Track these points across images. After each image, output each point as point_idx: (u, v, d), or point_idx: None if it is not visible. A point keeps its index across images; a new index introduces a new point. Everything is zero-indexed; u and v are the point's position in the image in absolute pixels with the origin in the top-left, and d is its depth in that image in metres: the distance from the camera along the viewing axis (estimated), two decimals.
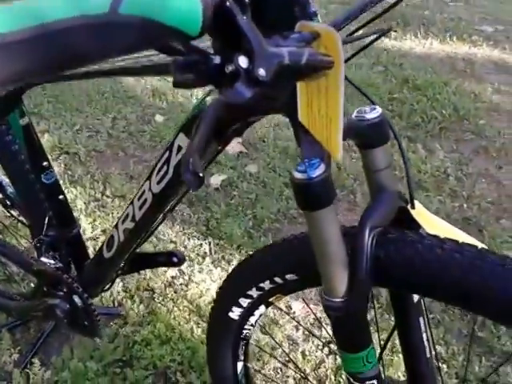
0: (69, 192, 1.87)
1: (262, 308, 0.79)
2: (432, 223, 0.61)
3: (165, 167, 0.75)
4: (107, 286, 1.07)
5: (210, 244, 1.68)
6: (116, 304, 1.47)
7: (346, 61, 0.55)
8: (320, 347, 1.38)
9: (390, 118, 2.36)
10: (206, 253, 1.65)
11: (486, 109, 2.51)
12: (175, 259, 1.00)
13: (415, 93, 2.52)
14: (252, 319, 0.81)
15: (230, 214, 1.81)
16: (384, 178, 0.62)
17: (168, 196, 0.78)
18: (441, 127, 2.34)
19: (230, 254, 1.64)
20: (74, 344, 1.34)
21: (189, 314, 1.44)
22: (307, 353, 1.36)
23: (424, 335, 0.70)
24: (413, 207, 0.62)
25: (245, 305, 0.78)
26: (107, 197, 1.88)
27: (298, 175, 0.54)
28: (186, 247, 1.67)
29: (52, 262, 1.00)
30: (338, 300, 0.57)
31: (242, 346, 0.85)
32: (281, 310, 1.44)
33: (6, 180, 1.19)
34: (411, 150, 2.15)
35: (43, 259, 1.00)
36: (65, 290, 1.01)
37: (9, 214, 1.23)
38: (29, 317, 1.18)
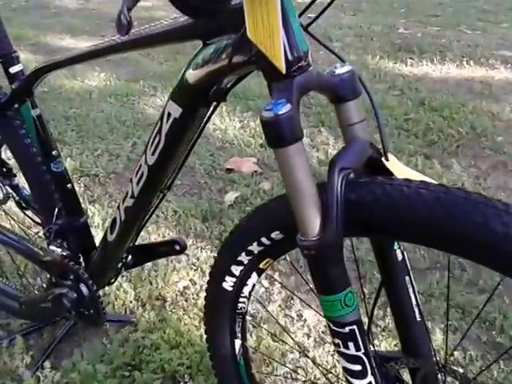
0: (88, 210, 1.92)
1: (254, 276, 0.79)
2: (405, 173, 0.62)
3: (157, 137, 0.78)
4: (113, 279, 1.09)
5: None
6: (128, 312, 1.48)
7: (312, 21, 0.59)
8: (331, 353, 1.35)
9: (405, 136, 2.37)
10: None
11: (504, 127, 2.50)
12: (177, 247, 1.02)
13: (431, 113, 2.53)
14: (246, 290, 0.81)
15: None
16: (357, 131, 0.63)
17: (162, 166, 0.81)
18: (458, 144, 2.33)
19: None
20: (84, 348, 1.35)
21: (199, 322, 1.43)
22: (318, 359, 1.33)
23: (412, 295, 0.70)
24: (386, 159, 0.63)
25: (237, 273, 0.79)
26: None
27: (265, 113, 0.57)
28: (198, 259, 1.68)
29: (60, 250, 1.02)
30: (312, 239, 0.58)
31: (238, 323, 0.85)
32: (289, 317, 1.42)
33: (21, 183, 1.24)
34: (427, 166, 2.14)
35: (52, 247, 1.03)
36: (72, 278, 1.03)
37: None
38: (38, 310, 1.19)
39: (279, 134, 0.56)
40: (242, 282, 0.80)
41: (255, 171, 2.19)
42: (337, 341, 0.63)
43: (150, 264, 1.63)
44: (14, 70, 1.00)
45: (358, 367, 0.63)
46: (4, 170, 1.21)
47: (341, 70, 0.62)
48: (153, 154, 0.80)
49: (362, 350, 0.62)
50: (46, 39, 4.19)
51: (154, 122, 2.66)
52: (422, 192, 0.54)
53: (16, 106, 1.03)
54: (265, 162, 2.25)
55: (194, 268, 1.65)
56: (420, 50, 3.52)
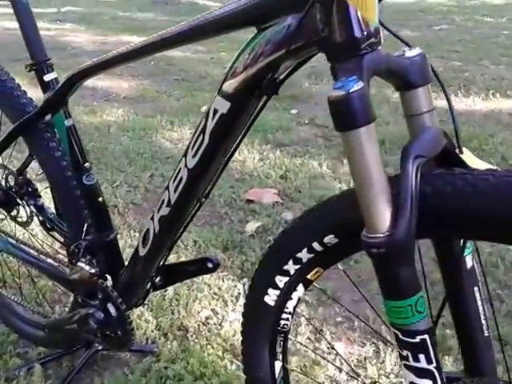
0: None
1: (301, 289, 0.73)
2: (483, 166, 0.57)
3: (200, 137, 0.74)
4: (141, 299, 1.03)
5: (244, 285, 1.63)
6: (149, 342, 1.41)
7: None
8: None
9: None
10: (239, 293, 1.60)
11: None
12: (210, 264, 0.97)
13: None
14: (290, 305, 0.75)
15: None
16: (427, 121, 0.59)
17: (204, 169, 0.77)
18: None
19: None
20: (105, 378, 1.28)
21: (223, 352, 1.36)
22: None
23: (481, 308, 0.64)
24: (461, 152, 0.59)
25: (281, 285, 0.73)
26: None
27: (334, 92, 0.52)
28: (220, 288, 1.62)
29: (88, 267, 0.97)
30: (381, 235, 0.52)
31: (279, 342, 0.79)
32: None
33: (45, 203, 1.21)
34: None
35: (80, 264, 0.98)
36: (100, 297, 0.98)
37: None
38: (63, 334, 1.13)
39: (350, 114, 0.51)
40: (286, 295, 0.74)
41: (276, 202, 2.14)
42: (405, 352, 0.56)
43: (171, 293, 1.57)
44: (48, 78, 0.98)
45: (428, 383, 0.56)
46: (29, 189, 1.17)
47: (411, 52, 0.57)
48: (194, 155, 0.76)
49: (434, 364, 0.56)
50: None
51: (172, 155, 2.65)
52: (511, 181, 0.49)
53: (47, 117, 1.00)
54: (286, 193, 2.21)
55: (216, 298, 1.59)
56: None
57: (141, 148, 2.67)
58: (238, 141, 0.75)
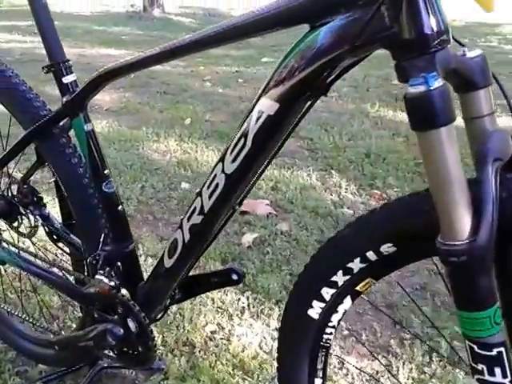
0: None
1: (348, 301, 0.71)
2: None
3: (242, 141, 0.71)
4: (161, 313, 0.99)
5: (248, 299, 1.59)
6: (156, 358, 1.35)
7: None
8: None
9: (421, 181, 2.33)
10: (244, 307, 1.56)
11: None
12: (235, 276, 0.93)
13: None
14: (335, 318, 0.72)
15: (265, 270, 1.74)
16: (487, 124, 0.57)
17: (244, 174, 0.74)
18: None
19: (270, 309, 1.54)
20: None
21: (233, 369, 1.32)
22: None
23: None
24: None
25: (328, 297, 0.70)
26: (140, 255, 1.81)
27: (413, 89, 0.50)
28: (223, 302, 1.58)
29: (107, 279, 0.92)
30: (462, 242, 0.50)
31: (321, 357, 0.76)
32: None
33: (52, 213, 1.15)
34: None
35: (98, 277, 0.93)
36: (119, 311, 0.93)
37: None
38: (74, 351, 1.07)
39: (431, 113, 0.49)
40: (331, 308, 0.71)
41: (270, 213, 2.12)
42: (480, 366, 0.54)
43: (174, 307, 1.52)
44: (67, 80, 0.93)
45: None
46: (34, 198, 1.11)
47: (472, 53, 0.55)
48: (234, 160, 0.73)
49: (509, 378, 0.54)
50: (45, 89, 4.15)
51: (160, 166, 2.60)
52: None
53: (61, 122, 0.95)
54: (278, 204, 2.19)
55: (221, 312, 1.54)
56: None
57: (129, 160, 2.62)
58: (280, 144, 0.73)
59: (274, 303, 1.56)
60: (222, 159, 0.75)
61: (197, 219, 0.81)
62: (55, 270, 1.07)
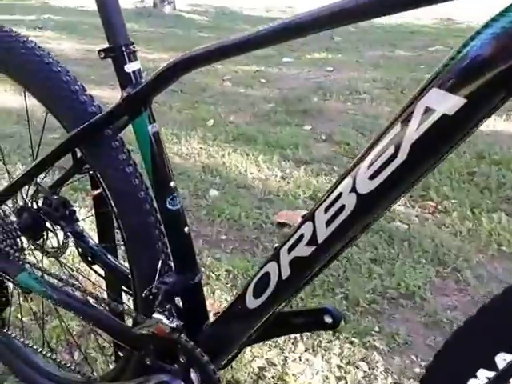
0: None
1: None
2: None
3: (390, 150, 0.50)
4: (231, 359, 0.77)
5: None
6: None
7: None
8: None
9: (478, 191, 2.11)
10: (296, 338, 1.34)
11: None
12: (328, 319, 0.71)
13: (496, 167, 2.29)
14: None
15: (315, 293, 1.52)
16: None
17: (387, 194, 0.54)
18: None
19: (328, 341, 1.33)
20: None
21: None
22: None
23: None
24: None
25: (502, 365, 0.50)
26: None
27: None
28: None
29: (167, 319, 0.71)
30: None
31: None
32: None
33: (85, 230, 0.94)
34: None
35: (155, 315, 0.71)
36: (181, 359, 0.71)
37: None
38: None
39: None
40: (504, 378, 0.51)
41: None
42: None
43: None
44: (130, 68, 0.73)
45: None
46: (66, 212, 0.90)
47: None
48: (374, 176, 0.52)
49: None
50: None
51: (183, 170, 2.32)
52: None
53: (115, 123, 0.75)
54: None
55: (269, 343, 1.32)
56: None
57: None
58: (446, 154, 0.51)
59: (331, 334, 1.35)
60: (348, 174, 0.56)
61: (304, 251, 0.62)
62: (95, 303, 0.85)
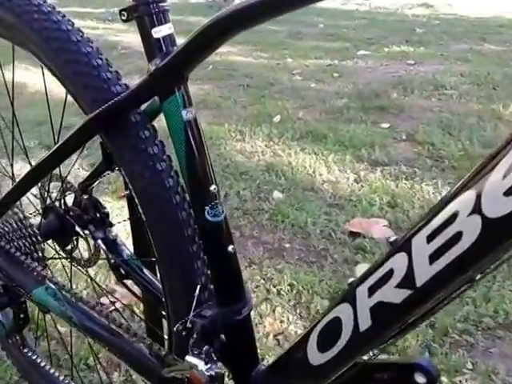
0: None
1: None
2: None
3: None
4: None
5: None
6: None
7: None
8: None
9: None
10: None
11: None
12: (421, 378, 0.50)
13: None
14: None
15: None
16: None
17: None
18: None
19: None
20: None
21: None
22: None
23: None
24: None
25: None
26: None
27: None
28: None
29: (204, 364, 0.52)
30: None
31: None
32: None
33: (120, 239, 0.77)
34: None
35: (189, 359, 0.53)
36: None
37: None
38: None
39: None
40: None
41: (390, 237, 1.66)
42: None
43: None
44: (158, 32, 0.55)
45: None
46: (97, 215, 0.73)
47: None
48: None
49: None
50: None
51: (246, 170, 2.06)
52: None
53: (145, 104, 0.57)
54: (399, 226, 1.73)
55: None
56: None
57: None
58: None
59: None
60: (467, 187, 0.39)
61: (393, 295, 0.44)
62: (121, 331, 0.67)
